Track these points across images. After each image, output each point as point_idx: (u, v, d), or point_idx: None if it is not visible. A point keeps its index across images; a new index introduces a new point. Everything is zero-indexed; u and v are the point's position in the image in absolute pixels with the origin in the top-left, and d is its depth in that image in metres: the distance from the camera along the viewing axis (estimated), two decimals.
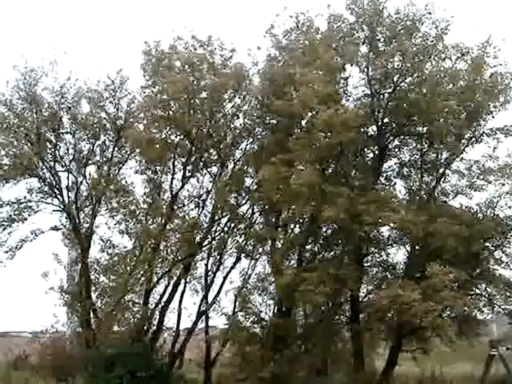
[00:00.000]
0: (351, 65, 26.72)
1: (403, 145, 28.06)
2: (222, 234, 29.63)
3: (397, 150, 28.13)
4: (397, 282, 24.70)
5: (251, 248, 29.36)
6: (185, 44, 28.29)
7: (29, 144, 28.64)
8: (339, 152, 25.73)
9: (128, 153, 29.77)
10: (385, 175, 28.17)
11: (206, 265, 29.68)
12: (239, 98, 28.52)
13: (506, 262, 26.39)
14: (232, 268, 29.56)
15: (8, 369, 33.36)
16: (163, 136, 28.39)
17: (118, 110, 29.67)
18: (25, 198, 29.05)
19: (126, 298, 28.58)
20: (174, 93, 27.04)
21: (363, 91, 27.11)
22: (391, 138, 27.52)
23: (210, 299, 29.50)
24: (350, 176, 26.64)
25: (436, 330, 24.33)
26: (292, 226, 28.96)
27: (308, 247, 28.22)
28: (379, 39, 26.52)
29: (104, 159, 29.95)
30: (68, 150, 29.64)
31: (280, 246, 28.01)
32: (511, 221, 26.24)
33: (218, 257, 29.70)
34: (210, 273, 29.65)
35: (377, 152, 27.49)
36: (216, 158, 29.19)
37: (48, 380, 29.79)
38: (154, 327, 29.08)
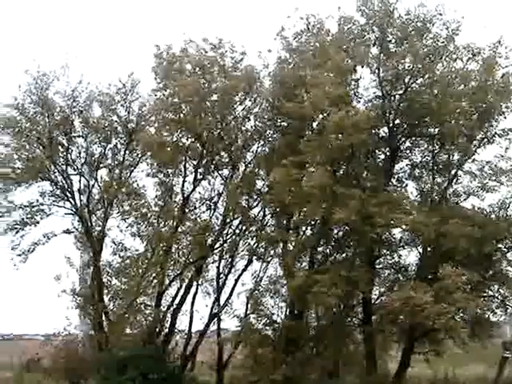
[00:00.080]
0: (362, 66, 26.65)
1: (415, 146, 27.96)
2: (234, 237, 29.63)
3: (408, 151, 28.04)
4: (409, 283, 24.64)
5: (263, 250, 29.36)
6: (196, 47, 28.32)
7: (41, 147, 28.84)
8: (350, 154, 25.69)
9: (139, 156, 29.90)
10: (396, 177, 28.09)
11: (218, 267, 29.70)
12: (250, 100, 28.53)
13: None
14: (244, 270, 29.58)
15: (21, 371, 33.46)
16: (174, 139, 28.44)
17: (129, 113, 29.83)
18: (37, 201, 29.25)
19: (138, 300, 28.72)
20: (185, 96, 27.10)
21: (374, 93, 27.07)
22: (403, 139, 27.44)
23: (221, 301, 29.53)
24: (361, 178, 26.60)
25: (449, 332, 24.27)
26: (303, 228, 28.90)
27: (320, 249, 28.19)
28: (390, 40, 26.44)
29: (116, 162, 30.11)
30: (80, 153, 29.85)
31: (292, 248, 27.96)
32: None
33: (230, 259, 29.71)
34: (221, 275, 29.67)
35: (388, 153, 27.42)
36: (227, 160, 29.21)
37: (61, 383, 29.85)
38: (166, 330, 29.17)
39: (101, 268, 29.26)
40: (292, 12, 27.24)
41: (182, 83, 27.01)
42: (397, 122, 26.92)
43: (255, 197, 29.25)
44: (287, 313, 28.32)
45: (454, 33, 26.04)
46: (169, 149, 27.88)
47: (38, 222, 29.22)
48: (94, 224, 29.65)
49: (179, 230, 28.89)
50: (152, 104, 28.91)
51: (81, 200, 29.61)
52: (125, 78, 29.40)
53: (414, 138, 27.66)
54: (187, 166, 29.18)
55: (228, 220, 29.36)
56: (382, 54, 26.38)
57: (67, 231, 29.56)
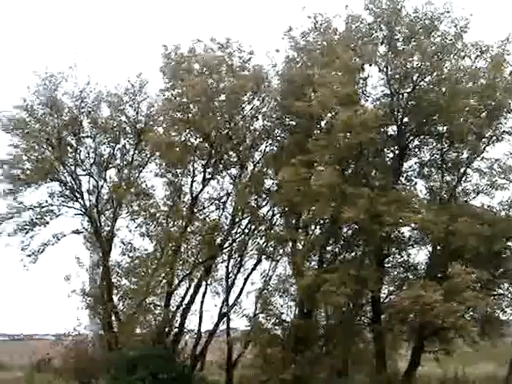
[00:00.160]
0: (370, 65, 26.63)
1: (423, 144, 27.89)
2: (243, 236, 29.67)
3: (417, 149, 27.98)
4: (418, 282, 24.57)
5: (272, 249, 29.35)
6: (204, 47, 28.43)
7: (50, 148, 28.96)
8: (359, 152, 25.68)
9: (148, 156, 29.99)
10: (405, 175, 28.02)
11: (227, 267, 29.73)
12: (258, 99, 28.56)
13: None
14: (253, 270, 29.59)
15: (31, 371, 33.62)
16: (183, 139, 28.51)
17: (137, 113, 29.94)
18: (46, 202, 29.41)
19: (147, 300, 28.78)
20: (194, 96, 27.16)
21: (382, 91, 27.03)
22: (411, 137, 27.38)
23: (231, 301, 29.56)
24: (370, 176, 26.57)
25: (458, 331, 24.22)
26: (312, 227, 28.91)
27: (329, 248, 28.16)
28: (398, 39, 26.40)
29: (124, 163, 30.19)
30: (89, 153, 29.96)
31: (301, 247, 27.98)
32: None
33: (239, 259, 29.73)
34: (230, 275, 29.70)
35: (397, 152, 27.36)
36: (236, 160, 29.24)
37: (71, 383, 29.97)
38: (176, 329, 29.20)
39: (110, 268, 29.37)
40: (299, 11, 27.29)
41: (190, 83, 27.06)
42: (405, 120, 26.89)
43: (264, 196, 29.24)
44: (296, 312, 28.28)
45: (462, 30, 25.98)
46: (177, 149, 27.91)
47: (47, 223, 29.39)
48: (103, 224, 29.77)
49: (188, 229, 28.94)
50: (160, 104, 29.01)
51: (90, 200, 29.79)
52: (133, 78, 29.57)
53: (422, 137, 27.58)
54: (196, 165, 29.29)
55: (237, 219, 29.42)
56: (389, 53, 26.36)
57: (76, 231, 29.71)
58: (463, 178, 27.11)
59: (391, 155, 27.84)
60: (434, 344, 26.59)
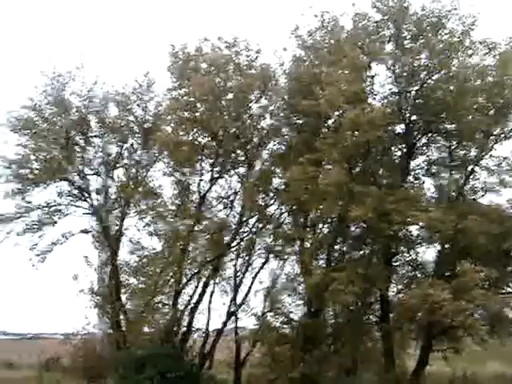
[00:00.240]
0: (377, 63, 26.56)
1: (431, 142, 27.79)
2: (251, 235, 29.64)
3: (425, 147, 27.88)
4: (427, 281, 24.48)
5: (280, 248, 29.27)
6: (211, 45, 28.43)
7: (58, 148, 29.00)
8: (366, 151, 25.66)
9: (156, 155, 29.96)
10: (413, 173, 27.91)
11: (235, 265, 29.74)
12: (266, 98, 28.54)
13: None
14: (261, 268, 29.59)
15: (40, 370, 33.75)
16: (190, 138, 28.51)
17: (145, 112, 30.00)
18: (54, 201, 29.50)
19: (155, 299, 28.82)
20: (201, 95, 27.19)
21: (390, 89, 26.99)
22: (419, 135, 27.32)
23: (239, 300, 29.59)
24: (377, 175, 26.50)
25: (467, 330, 24.11)
26: (320, 225, 28.86)
27: (336, 247, 28.14)
28: (405, 36, 26.35)
29: (132, 162, 30.27)
30: (96, 153, 30.07)
31: (309, 245, 27.92)
32: None
33: (247, 257, 29.74)
34: (238, 273, 29.71)
35: (405, 150, 27.31)
36: (243, 158, 29.25)
37: (79, 381, 30.07)
38: (184, 328, 29.22)
39: (118, 267, 29.45)
40: (306, 10, 27.26)
41: (198, 82, 27.07)
42: (413, 118, 26.84)
43: (272, 195, 29.24)
44: (305, 311, 28.25)
45: (469, 28, 25.93)
46: (185, 148, 27.91)
47: (55, 222, 29.50)
48: (111, 223, 29.81)
49: (196, 228, 28.91)
50: (168, 103, 28.99)
51: (98, 200, 29.85)
52: (141, 77, 29.65)
53: (430, 135, 27.49)
54: (203, 164, 29.32)
55: (245, 218, 29.42)
56: (397, 50, 26.31)
57: (85, 231, 29.78)
58: (471, 176, 27.00)
59: (399, 153, 27.79)
60: (442, 343, 26.53)
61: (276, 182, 29.17)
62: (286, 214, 29.74)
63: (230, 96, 28.05)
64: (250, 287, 29.57)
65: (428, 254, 27.53)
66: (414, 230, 26.92)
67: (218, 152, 28.69)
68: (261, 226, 29.58)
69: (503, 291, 26.20)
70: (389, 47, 26.64)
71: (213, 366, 29.57)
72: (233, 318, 29.51)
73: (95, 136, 29.99)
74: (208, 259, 29.03)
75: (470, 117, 25.62)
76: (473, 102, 25.07)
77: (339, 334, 27.26)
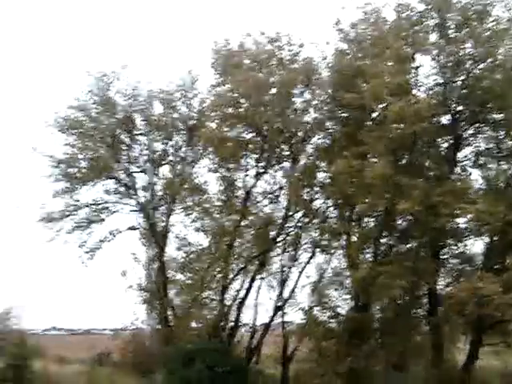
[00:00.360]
0: (421, 54, 26.21)
1: (478, 133, 27.30)
2: (296, 230, 29.56)
3: (472, 138, 27.41)
4: (475, 274, 24.17)
5: (326, 242, 29.15)
6: (253, 41, 28.39)
7: (104, 147, 29.40)
8: (412, 143, 25.36)
9: (201, 152, 30.09)
10: (460, 165, 27.49)
11: (281, 260, 29.72)
12: (309, 92, 28.39)
13: None
14: (307, 263, 29.49)
15: (93, 365, 34.27)
16: (235, 134, 28.55)
17: (189, 109, 30.13)
18: (102, 199, 29.90)
19: (202, 294, 29.02)
20: (245, 90, 27.17)
21: (435, 80, 26.58)
22: (466, 126, 26.88)
23: (285, 294, 29.54)
24: (424, 167, 26.20)
25: None
26: (366, 219, 28.60)
27: (383, 240, 27.84)
28: (449, 26, 25.92)
29: (177, 159, 30.48)
30: (142, 151, 30.35)
31: (355, 239, 27.74)
32: None
33: (293, 252, 29.65)
34: (285, 268, 29.66)
35: (451, 141, 26.90)
36: (288, 153, 29.16)
37: (130, 376, 30.43)
38: (231, 323, 29.34)
39: (166, 263, 29.70)
40: (347, 2, 26.99)
41: (241, 78, 27.08)
42: (459, 108, 26.41)
43: (317, 189, 29.09)
44: (352, 305, 28.09)
45: None
46: (230, 144, 28.00)
47: (103, 220, 29.97)
48: (157, 220, 30.07)
49: (242, 224, 28.98)
50: (212, 100, 29.07)
51: (144, 197, 30.12)
52: (184, 75, 29.79)
53: (477, 125, 27.01)
54: (248, 160, 29.32)
55: (290, 213, 29.32)
56: (441, 40, 25.90)
57: (132, 228, 30.15)
58: None
59: (445, 145, 27.38)
60: (492, 337, 26.12)
61: (321, 176, 29.05)
62: (331, 207, 29.56)
63: (274, 91, 27.98)
64: (296, 282, 29.58)
65: (476, 246, 27.18)
66: (461, 222, 26.56)
67: (263, 147, 28.69)
68: (306, 220, 29.46)
69: None
70: (433, 37, 26.29)
71: (260, 360, 29.69)
72: (280, 312, 29.52)
73: (140, 134, 30.31)
74: (254, 254, 29.09)
75: None
76: None
77: (387, 329, 27.03)
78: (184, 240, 30.00)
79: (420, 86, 26.91)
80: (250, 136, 28.92)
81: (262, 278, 29.65)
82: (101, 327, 49.45)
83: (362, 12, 27.13)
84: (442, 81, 26.30)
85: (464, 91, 25.96)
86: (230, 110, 28.11)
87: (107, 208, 29.88)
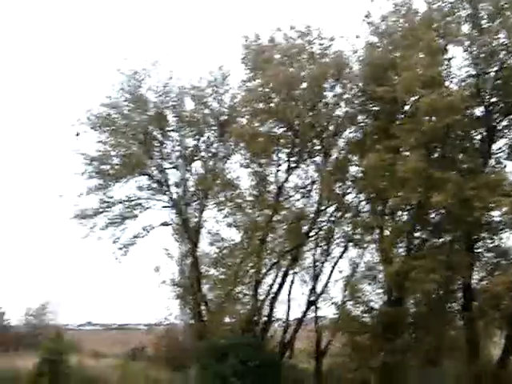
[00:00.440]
0: (453, 45, 25.91)
1: None
2: (329, 224, 29.47)
3: (506, 130, 27.01)
4: (511, 267, 23.83)
5: (359, 237, 29.01)
6: (284, 35, 28.33)
7: (137, 143, 29.58)
8: (445, 135, 25.11)
9: (232, 147, 30.14)
10: (494, 157, 27.11)
11: (314, 255, 29.62)
12: (340, 86, 28.24)
13: None
14: (340, 257, 29.39)
15: (127, 359, 34.62)
16: (266, 129, 28.54)
17: (220, 105, 30.16)
18: (135, 195, 30.12)
19: (235, 289, 29.09)
20: (276, 85, 27.14)
21: (467, 72, 26.24)
22: (500, 118, 26.51)
23: (318, 289, 29.47)
24: (457, 160, 25.92)
25: None
26: (399, 213, 28.39)
27: (416, 234, 27.62)
28: (482, 16, 25.57)
29: (209, 154, 30.56)
30: (174, 147, 30.49)
31: (388, 233, 27.55)
32: None
33: (326, 246, 29.57)
34: (317, 263, 29.58)
35: (485, 134, 26.54)
36: (319, 147, 29.05)
37: (164, 370, 30.66)
38: (264, 318, 29.38)
39: (198, 258, 29.83)
40: None
41: (272, 73, 27.04)
42: (493, 100, 26.07)
43: (349, 183, 28.96)
44: (385, 299, 27.95)
45: None
46: (261, 139, 28.01)
47: (136, 216, 30.18)
48: (190, 216, 30.21)
49: (274, 218, 28.98)
50: (242, 95, 29.09)
51: (177, 193, 30.28)
52: (215, 70, 29.82)
53: (511, 117, 26.63)
54: (280, 155, 29.30)
55: (323, 207, 29.23)
56: (474, 31, 25.57)
57: (165, 224, 30.32)
58: None
59: (479, 137, 27.02)
60: None
61: (353, 170, 28.90)
62: (364, 202, 29.40)
63: (304, 85, 27.88)
64: (329, 276, 29.50)
65: None
66: (496, 215, 26.21)
67: (294, 142, 28.65)
68: (339, 214, 29.34)
69: None
70: (465, 28, 25.94)
71: (293, 355, 29.68)
72: (312, 307, 29.50)
73: (172, 130, 30.45)
74: (287, 249, 29.07)
75: None
76: None
77: (421, 323, 26.85)
78: (216, 235, 30.09)
79: (452, 77, 26.60)
80: (281, 131, 28.89)
81: (295, 273, 29.67)
82: (135, 322, 49.96)
83: (392, 4, 26.96)
84: (474, 72, 25.96)
85: (497, 82, 25.61)
86: (261, 105, 28.12)
87: (140, 204, 30.11)
